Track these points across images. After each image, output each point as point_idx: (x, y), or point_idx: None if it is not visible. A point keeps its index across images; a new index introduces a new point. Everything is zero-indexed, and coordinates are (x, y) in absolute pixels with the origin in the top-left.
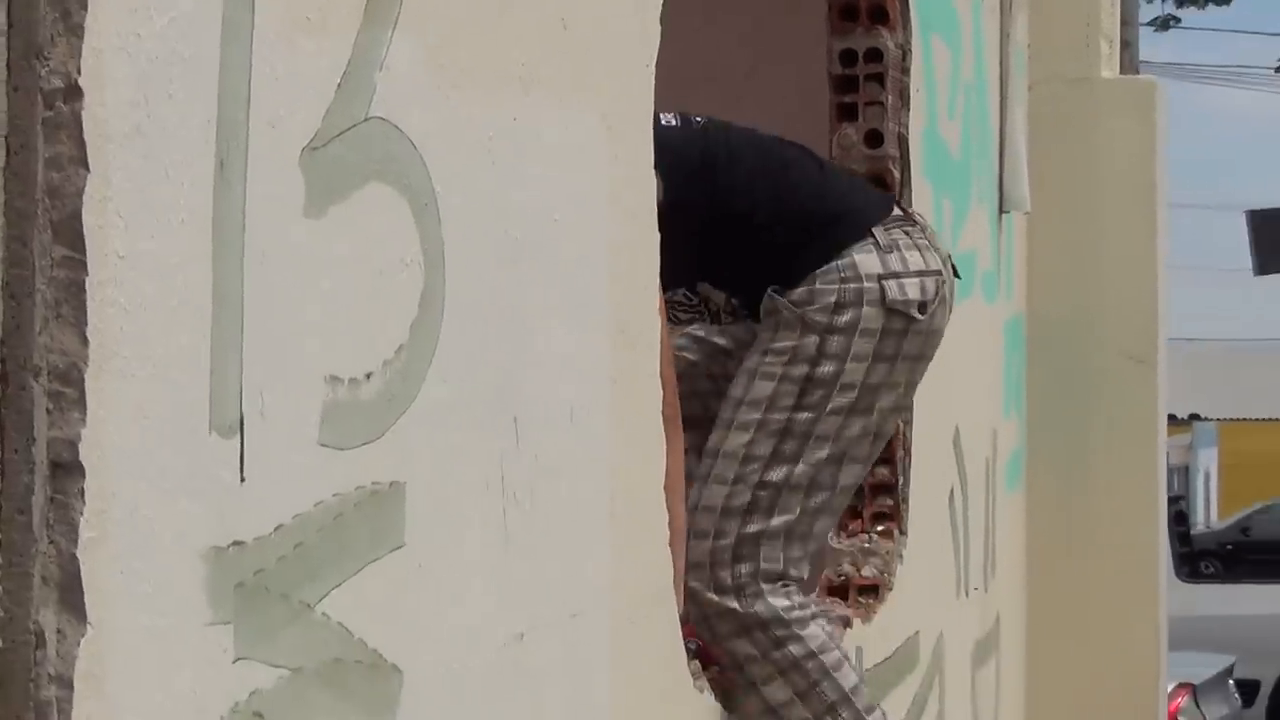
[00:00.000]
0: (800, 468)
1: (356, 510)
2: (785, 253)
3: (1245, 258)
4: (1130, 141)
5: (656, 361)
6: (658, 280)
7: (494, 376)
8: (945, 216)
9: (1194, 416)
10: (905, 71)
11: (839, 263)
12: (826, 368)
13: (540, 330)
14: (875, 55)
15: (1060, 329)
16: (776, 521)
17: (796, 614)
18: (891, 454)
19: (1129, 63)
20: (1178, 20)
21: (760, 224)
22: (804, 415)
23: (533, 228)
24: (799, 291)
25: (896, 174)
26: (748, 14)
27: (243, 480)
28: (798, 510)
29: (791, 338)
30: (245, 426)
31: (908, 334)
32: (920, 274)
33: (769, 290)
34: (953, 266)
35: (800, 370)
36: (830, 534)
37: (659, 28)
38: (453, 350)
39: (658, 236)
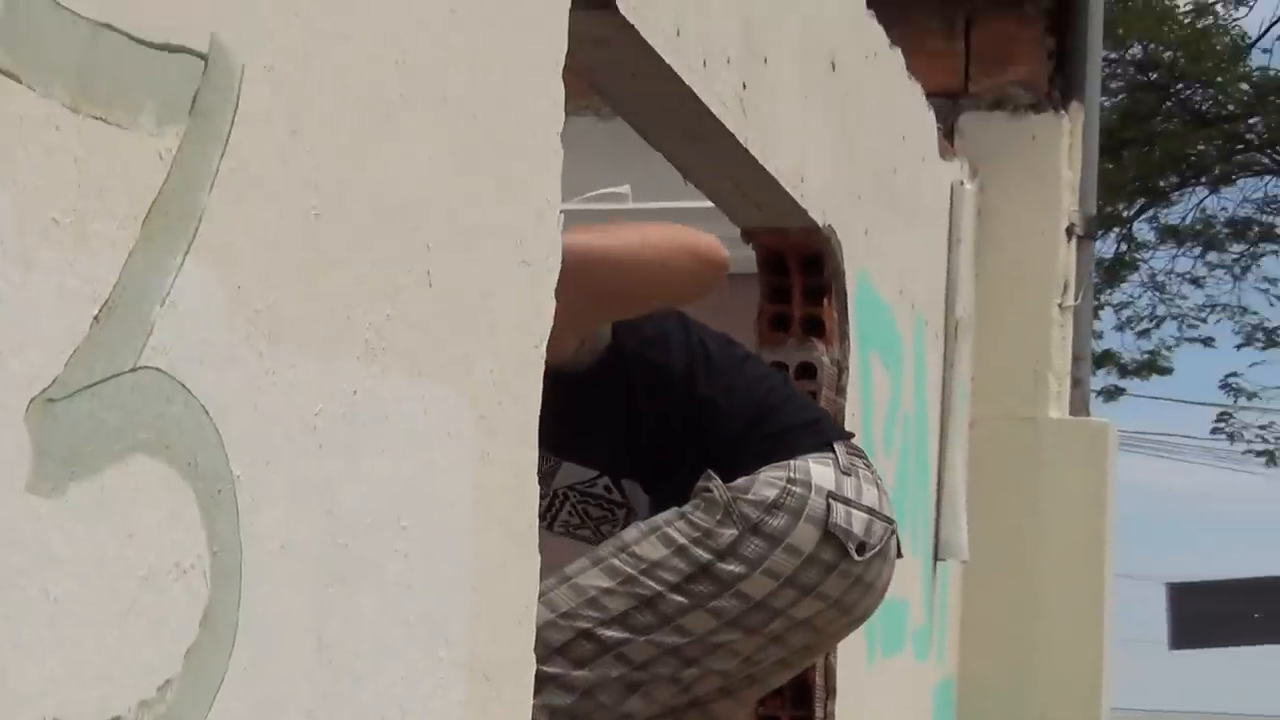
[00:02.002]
0: (639, 642)
1: None
2: (733, 444)
3: (1158, 629)
4: (1079, 488)
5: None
6: (534, 609)
7: None
8: None
9: None
10: (840, 391)
11: (792, 462)
12: (731, 567)
13: (375, 668)
14: (808, 371)
15: (995, 697)
16: (578, 675)
17: None
18: None
19: (1080, 403)
20: (1123, 390)
21: (716, 409)
22: (677, 599)
23: (371, 534)
24: (739, 480)
25: None
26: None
27: None
28: (611, 676)
29: (711, 520)
30: None
31: (834, 571)
32: (871, 513)
33: (707, 471)
34: (897, 542)
35: (702, 556)
36: None
37: (552, 302)
38: (246, 691)
39: (538, 558)
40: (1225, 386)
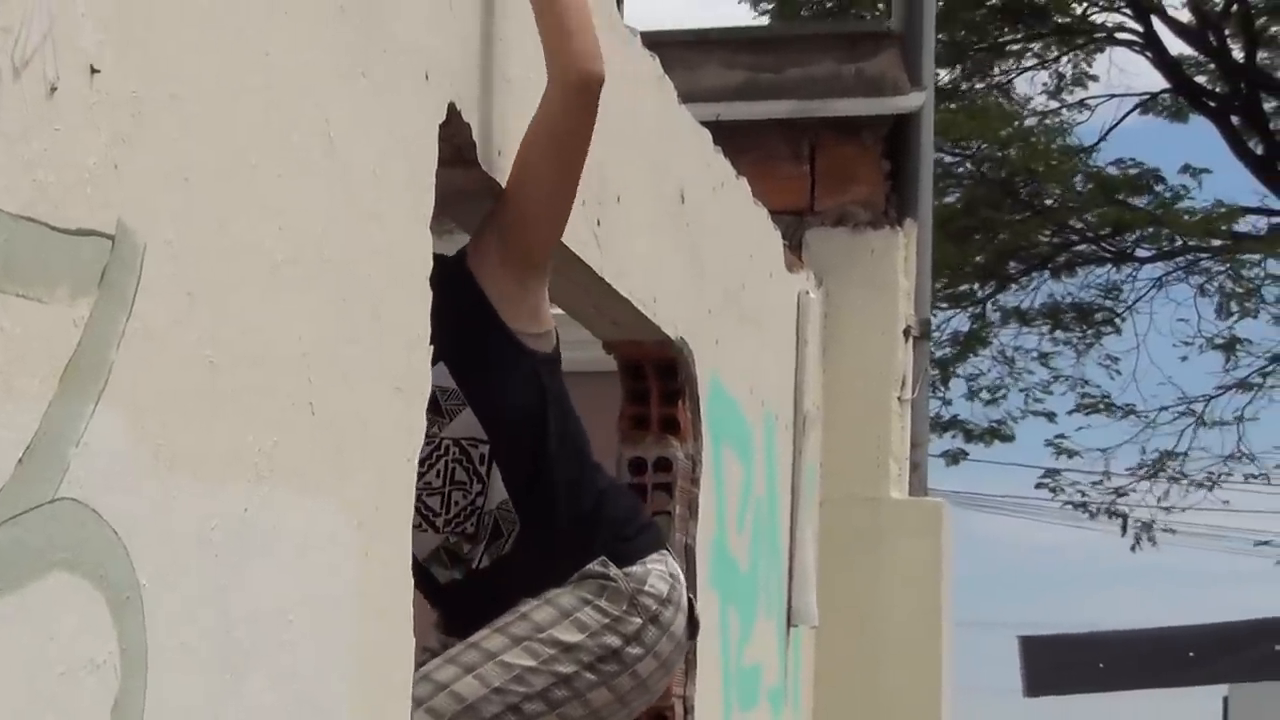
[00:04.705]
0: (551, 716)
1: None
2: (617, 529)
3: (1013, 678)
4: (917, 560)
5: None
6: (410, 686)
7: None
8: (731, 627)
9: None
10: (695, 482)
11: (666, 557)
12: (635, 651)
13: None
14: (664, 465)
15: None
16: None
17: None
18: None
19: (918, 484)
20: (966, 454)
21: (609, 500)
22: (589, 677)
23: (261, 630)
24: (634, 568)
25: None
26: None
27: None
28: None
29: (618, 609)
30: None
31: (681, 646)
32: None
33: (601, 558)
34: None
35: (612, 641)
36: None
37: (424, 421)
38: None
39: (412, 641)
40: (1050, 445)
